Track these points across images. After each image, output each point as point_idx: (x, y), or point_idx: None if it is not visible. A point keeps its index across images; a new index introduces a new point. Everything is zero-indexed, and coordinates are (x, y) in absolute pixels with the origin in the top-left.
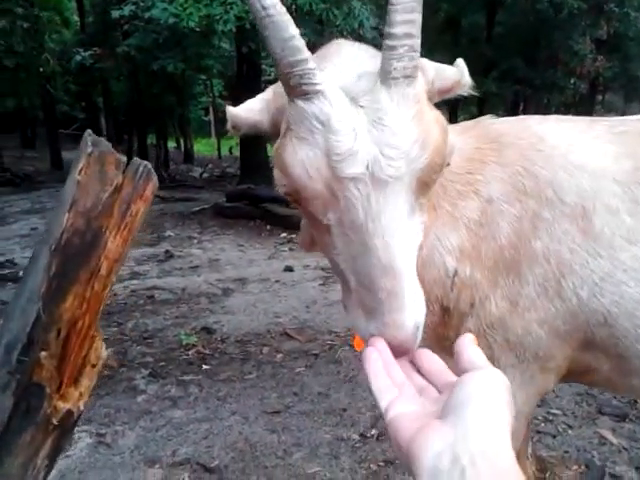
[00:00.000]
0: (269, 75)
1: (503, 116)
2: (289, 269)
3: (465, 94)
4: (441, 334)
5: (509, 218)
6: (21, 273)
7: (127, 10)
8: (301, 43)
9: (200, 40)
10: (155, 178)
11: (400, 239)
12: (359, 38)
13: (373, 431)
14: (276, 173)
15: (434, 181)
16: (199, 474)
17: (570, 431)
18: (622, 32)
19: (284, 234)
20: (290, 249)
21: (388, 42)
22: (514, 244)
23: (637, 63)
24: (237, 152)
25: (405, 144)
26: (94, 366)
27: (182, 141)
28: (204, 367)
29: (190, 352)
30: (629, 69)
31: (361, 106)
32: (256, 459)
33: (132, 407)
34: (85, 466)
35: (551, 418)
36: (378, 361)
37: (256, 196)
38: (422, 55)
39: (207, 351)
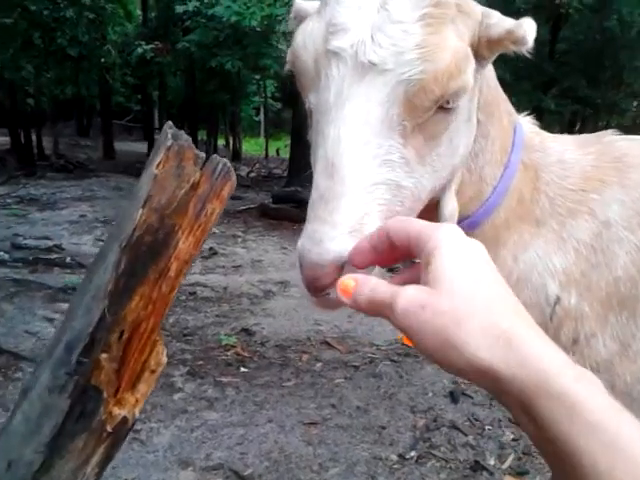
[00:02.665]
0: None
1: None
2: None
3: (520, 52)
4: None
5: (628, 247)
6: (68, 259)
7: (191, 6)
8: None
9: (260, 39)
10: (234, 177)
11: (357, 138)
12: None
13: (412, 453)
14: (288, 50)
15: (425, 110)
16: None
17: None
18: None
19: None
20: None
21: None
22: (632, 277)
23: None
24: (284, 154)
25: (399, 37)
26: (153, 372)
27: (231, 139)
28: (242, 370)
29: (229, 353)
30: None
31: None
32: (290, 471)
33: (168, 405)
34: (118, 461)
35: None
36: None
37: (303, 199)
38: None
39: (246, 353)
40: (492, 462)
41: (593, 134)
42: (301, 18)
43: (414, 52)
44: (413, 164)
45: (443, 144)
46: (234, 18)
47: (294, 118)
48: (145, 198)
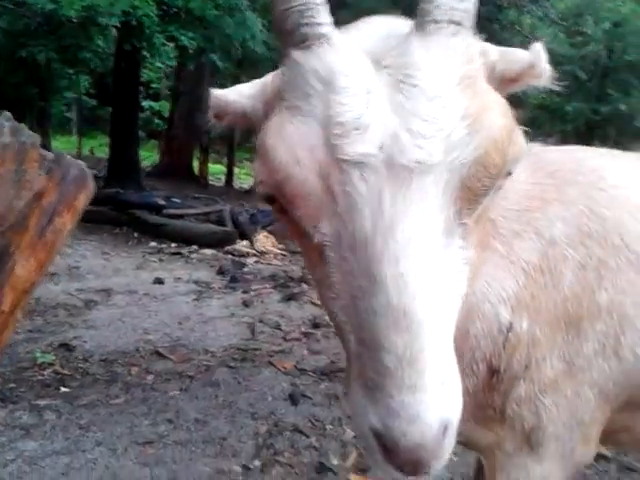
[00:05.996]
0: (142, 77)
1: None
2: (159, 281)
3: (540, 87)
4: (483, 402)
5: (573, 264)
6: None
7: None
8: None
9: (77, 32)
10: (91, 185)
11: (425, 270)
12: (250, 51)
13: (256, 462)
14: (255, 166)
15: (485, 192)
16: None
17: (455, 458)
18: None
19: (154, 243)
20: (160, 260)
21: None
22: (577, 296)
23: None
24: (100, 153)
25: (444, 116)
26: None
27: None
28: (63, 389)
29: (46, 372)
30: None
31: (385, 66)
32: None
33: None
34: None
35: None
36: None
37: (124, 201)
38: None
39: (66, 371)
40: (335, 462)
41: None
42: (223, 114)
43: (462, 128)
44: (475, 259)
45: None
46: (49, 6)
47: (112, 116)
48: None
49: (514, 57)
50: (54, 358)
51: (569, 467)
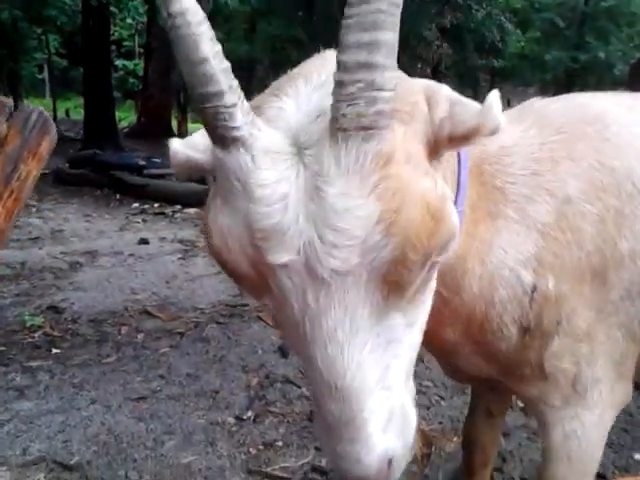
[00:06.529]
0: (113, 35)
1: None
2: (144, 241)
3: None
4: (519, 360)
5: (592, 219)
6: None
7: None
8: (216, 69)
9: None
10: (53, 130)
11: (353, 351)
12: (222, 4)
13: (249, 413)
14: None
15: (412, 279)
16: (57, 473)
17: (443, 402)
18: (463, 23)
19: (136, 204)
20: (144, 220)
21: (336, 75)
22: (599, 248)
23: (474, 53)
24: (76, 115)
25: (355, 227)
26: None
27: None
28: (54, 351)
29: (36, 334)
30: (467, 58)
31: (305, 163)
32: (123, 451)
33: None
34: None
35: (423, 390)
36: None
37: (103, 162)
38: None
39: (56, 333)
40: None
41: (519, 106)
42: (190, 170)
43: (377, 233)
44: (416, 319)
45: (433, 279)
46: None
47: (85, 76)
48: None
49: (463, 117)
50: (43, 320)
51: (615, 407)
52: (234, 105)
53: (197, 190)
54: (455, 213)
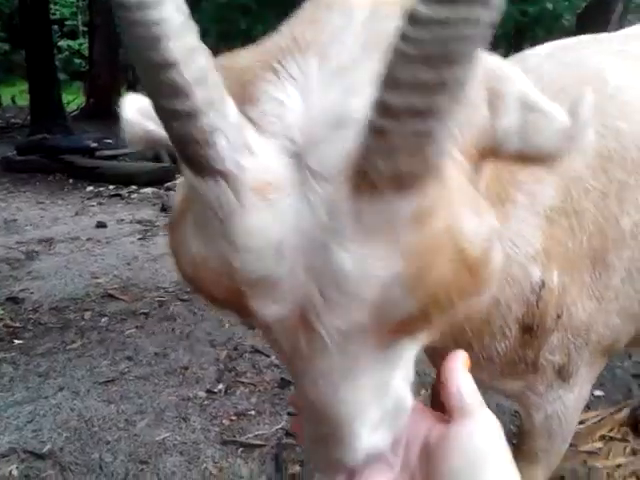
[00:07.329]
0: (55, 14)
1: None
2: (102, 225)
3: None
4: (516, 359)
5: (594, 196)
6: None
7: None
8: (187, 77)
9: None
10: None
11: (350, 391)
12: None
13: (220, 386)
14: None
15: (427, 329)
16: (30, 462)
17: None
18: None
19: (90, 187)
20: (99, 203)
21: (371, 117)
22: (602, 228)
23: None
24: (22, 101)
25: (369, 292)
26: None
27: None
28: (16, 342)
29: None
30: None
31: (310, 201)
32: (95, 435)
33: None
34: None
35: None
36: None
37: (53, 147)
38: None
39: (17, 324)
40: None
41: (513, 60)
42: (149, 142)
43: (395, 294)
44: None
45: None
46: None
47: (27, 59)
48: None
49: (539, 137)
50: (2, 312)
51: (592, 381)
52: (215, 130)
53: (153, 169)
54: (499, 251)
